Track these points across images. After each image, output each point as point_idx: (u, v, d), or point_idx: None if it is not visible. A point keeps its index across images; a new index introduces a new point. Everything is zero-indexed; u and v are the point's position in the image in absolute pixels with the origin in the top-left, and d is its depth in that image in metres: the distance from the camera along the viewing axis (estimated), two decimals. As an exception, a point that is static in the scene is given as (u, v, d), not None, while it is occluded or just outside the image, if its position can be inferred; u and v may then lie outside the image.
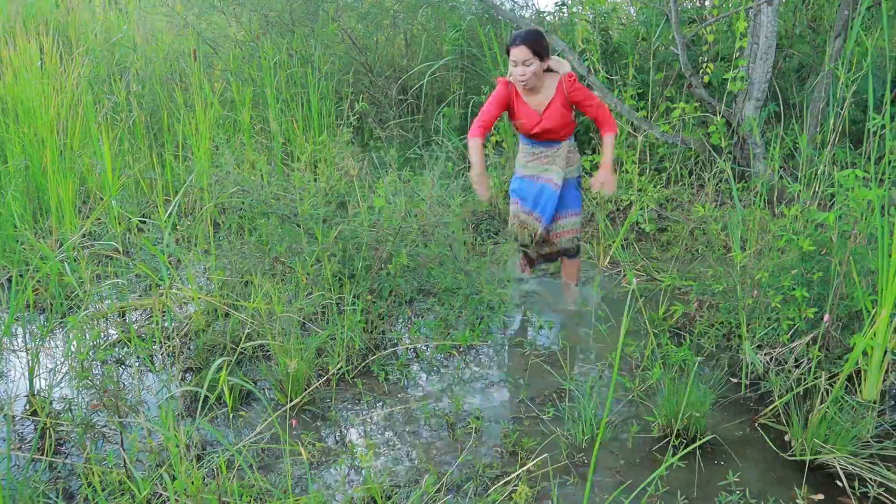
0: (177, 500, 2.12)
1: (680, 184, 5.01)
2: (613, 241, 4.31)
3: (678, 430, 2.81)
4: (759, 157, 4.68)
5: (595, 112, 3.55)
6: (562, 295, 3.99)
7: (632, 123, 5.05)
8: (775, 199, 4.34)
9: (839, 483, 2.56)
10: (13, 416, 2.90)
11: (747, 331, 3.19)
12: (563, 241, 3.81)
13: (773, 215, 4.03)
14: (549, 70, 3.55)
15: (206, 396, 2.93)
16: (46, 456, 2.63)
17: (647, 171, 5.09)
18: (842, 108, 4.00)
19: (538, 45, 3.39)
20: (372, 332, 3.44)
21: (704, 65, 4.85)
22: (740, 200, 3.50)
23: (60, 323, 3.45)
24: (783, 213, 3.47)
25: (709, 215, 4.02)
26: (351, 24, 6.12)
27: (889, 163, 2.94)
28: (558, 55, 4.72)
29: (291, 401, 2.94)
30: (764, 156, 4.68)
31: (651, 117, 5.21)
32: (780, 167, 4.32)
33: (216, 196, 3.56)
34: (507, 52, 3.42)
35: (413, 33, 6.57)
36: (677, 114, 4.92)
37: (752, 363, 3.07)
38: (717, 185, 4.70)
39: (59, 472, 2.60)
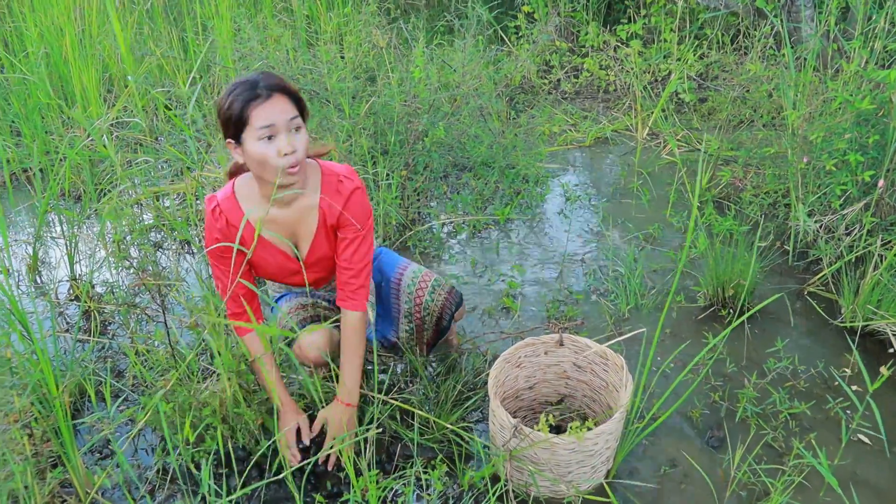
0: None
1: (722, 51, 4.75)
2: (652, 112, 4.13)
3: (724, 300, 2.76)
4: (808, 20, 4.39)
5: (351, 261, 1.95)
6: None
7: (672, -13, 4.75)
8: (829, 64, 4.09)
9: (890, 350, 2.51)
10: (58, 301, 2.93)
11: (797, 198, 3.07)
12: (430, 298, 2.23)
13: (821, 82, 3.81)
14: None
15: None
16: (93, 337, 2.66)
17: (687, 38, 4.83)
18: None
19: (298, 94, 1.77)
20: (408, 207, 3.38)
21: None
22: (789, 65, 3.26)
23: (95, 210, 3.44)
24: (841, 67, 3.26)
25: (761, 74, 3.79)
26: None
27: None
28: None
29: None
30: (814, 18, 4.38)
31: (692, -21, 4.89)
32: (835, 29, 4.03)
33: (241, 73, 3.43)
34: (239, 119, 1.69)
35: None
36: (721, -26, 4.59)
37: (800, 232, 2.97)
38: (763, 49, 4.44)
39: (107, 352, 2.64)
